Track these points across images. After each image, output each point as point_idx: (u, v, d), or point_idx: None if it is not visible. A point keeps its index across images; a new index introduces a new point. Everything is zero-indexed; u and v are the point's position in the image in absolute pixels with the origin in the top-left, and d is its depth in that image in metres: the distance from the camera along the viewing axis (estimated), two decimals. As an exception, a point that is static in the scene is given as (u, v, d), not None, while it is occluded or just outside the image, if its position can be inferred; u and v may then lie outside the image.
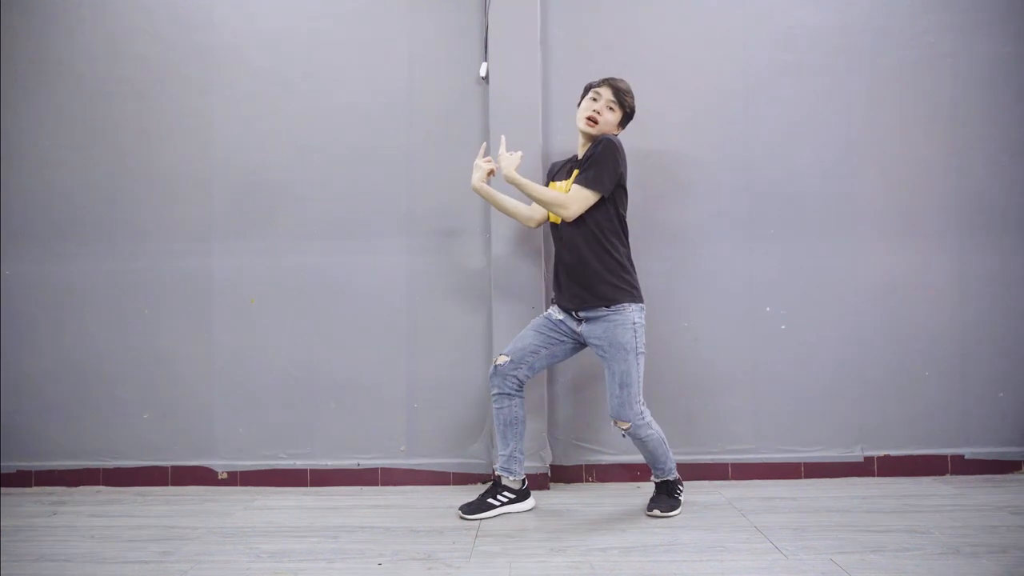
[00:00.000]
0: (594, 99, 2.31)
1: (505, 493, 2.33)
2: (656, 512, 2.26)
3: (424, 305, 2.76)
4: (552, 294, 2.45)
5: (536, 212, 2.47)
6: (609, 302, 2.23)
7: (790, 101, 2.75)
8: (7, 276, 2.80)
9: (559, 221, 2.33)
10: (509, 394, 2.34)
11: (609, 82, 2.31)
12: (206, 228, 2.78)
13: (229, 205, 2.78)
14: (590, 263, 2.25)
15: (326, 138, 2.78)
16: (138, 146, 2.80)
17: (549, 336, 2.35)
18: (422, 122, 2.77)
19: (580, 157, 2.36)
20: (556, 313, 2.37)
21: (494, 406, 2.36)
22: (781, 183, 2.74)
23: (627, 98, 2.32)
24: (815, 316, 2.72)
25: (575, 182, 2.25)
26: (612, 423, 2.29)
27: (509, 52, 2.65)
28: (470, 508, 2.28)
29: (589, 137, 2.33)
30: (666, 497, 2.32)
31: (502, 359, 2.34)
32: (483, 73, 2.72)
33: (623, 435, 2.28)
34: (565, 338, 2.35)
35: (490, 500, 2.31)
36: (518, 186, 2.27)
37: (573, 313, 2.31)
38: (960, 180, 2.73)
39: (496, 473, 2.39)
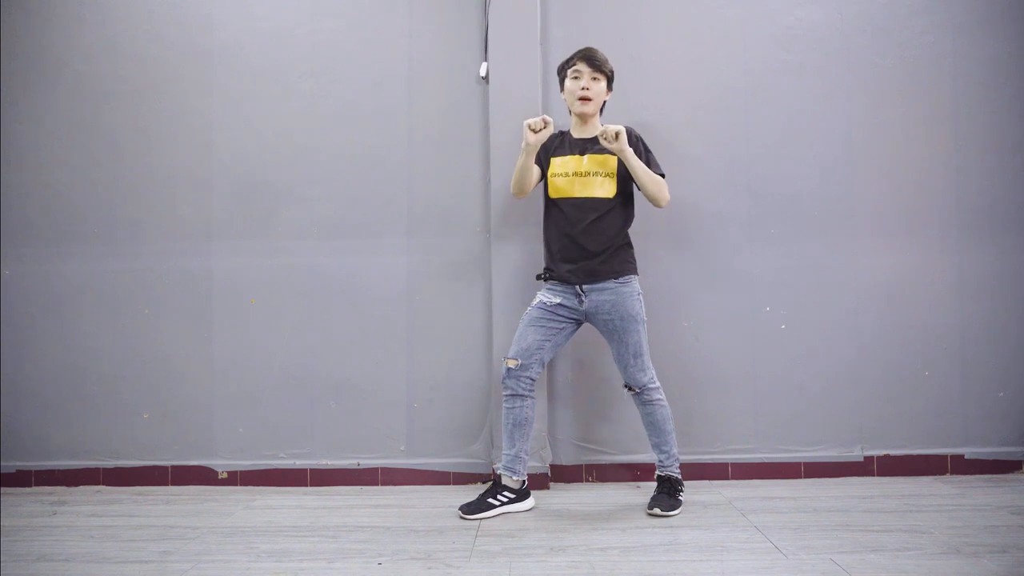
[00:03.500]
0: (576, 77, 2.35)
1: (505, 493, 2.33)
2: (656, 511, 2.26)
3: (424, 305, 2.75)
4: (545, 272, 2.41)
5: (531, 185, 2.42)
6: (618, 274, 2.32)
7: (790, 101, 2.75)
8: (7, 276, 2.80)
9: (578, 196, 2.33)
10: (522, 395, 2.35)
11: (583, 56, 2.35)
12: (206, 228, 2.78)
13: (229, 205, 2.78)
14: (614, 239, 2.34)
15: (326, 138, 2.78)
16: (138, 146, 2.80)
17: (549, 327, 2.35)
18: (422, 122, 2.77)
19: (585, 138, 2.39)
20: (551, 297, 2.36)
21: (505, 406, 2.36)
22: (781, 183, 2.74)
23: (605, 65, 2.37)
24: (815, 316, 2.72)
25: (657, 173, 2.35)
26: (624, 389, 2.38)
27: (509, 52, 2.65)
28: (470, 508, 2.28)
29: (585, 118, 2.38)
30: (667, 497, 2.32)
31: (512, 363, 2.33)
32: (483, 73, 2.72)
33: (636, 393, 2.34)
34: (565, 323, 2.36)
35: (490, 500, 2.31)
36: (629, 161, 2.26)
37: (578, 287, 2.32)
38: (960, 180, 2.73)
39: (497, 472, 2.39)
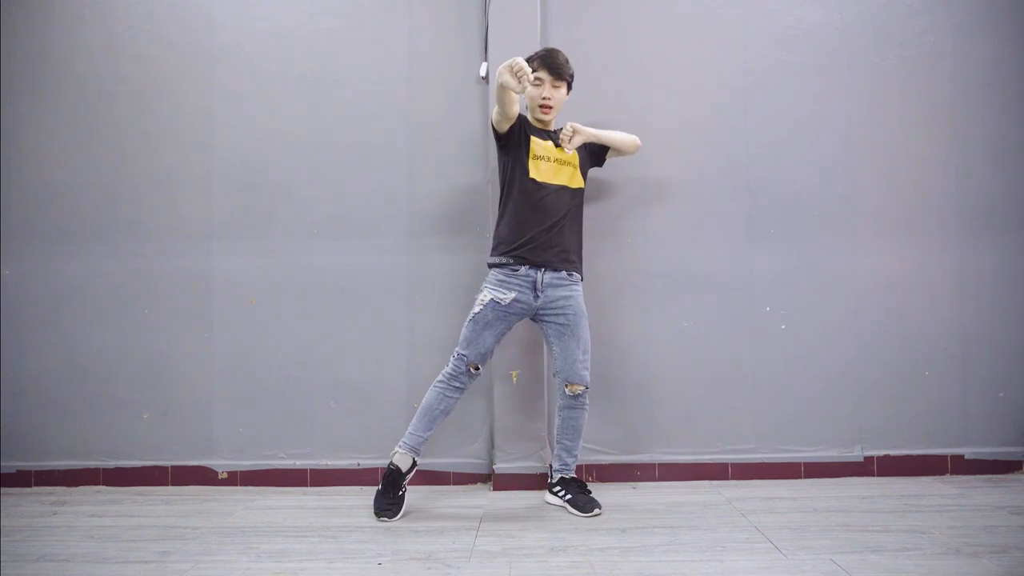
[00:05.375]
0: (538, 84, 2.35)
1: (408, 478, 2.33)
2: (597, 512, 2.26)
3: (424, 305, 2.75)
4: (502, 254, 2.33)
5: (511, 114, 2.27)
6: (575, 267, 2.37)
7: (790, 101, 2.75)
8: (7, 276, 2.80)
9: (560, 183, 2.34)
10: (465, 390, 2.37)
11: (544, 63, 2.34)
12: (206, 228, 2.78)
13: (229, 205, 2.78)
14: (580, 233, 2.41)
15: (326, 138, 2.78)
16: (138, 146, 2.80)
17: (500, 328, 2.34)
18: (422, 122, 2.77)
19: (548, 129, 2.43)
20: (505, 293, 2.30)
21: (446, 395, 2.33)
22: (781, 183, 2.74)
23: (565, 71, 2.36)
24: (815, 316, 2.72)
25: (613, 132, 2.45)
26: (564, 388, 2.35)
27: (509, 52, 2.64)
28: (393, 509, 2.26)
29: (546, 123, 2.43)
30: (585, 496, 2.33)
31: (475, 368, 2.33)
32: (483, 73, 2.72)
33: (577, 396, 2.34)
34: (513, 318, 2.35)
35: (400, 493, 2.32)
36: (600, 136, 2.42)
37: (538, 279, 2.29)
38: (960, 180, 2.73)
39: (406, 453, 2.33)
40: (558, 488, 2.39)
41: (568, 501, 2.33)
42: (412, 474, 2.35)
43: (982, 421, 2.71)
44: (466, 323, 2.35)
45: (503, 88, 2.14)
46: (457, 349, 2.34)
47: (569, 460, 2.42)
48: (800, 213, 2.73)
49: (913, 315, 2.72)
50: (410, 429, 2.35)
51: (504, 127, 2.31)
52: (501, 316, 2.31)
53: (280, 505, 2.48)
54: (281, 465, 2.74)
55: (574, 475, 2.41)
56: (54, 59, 2.81)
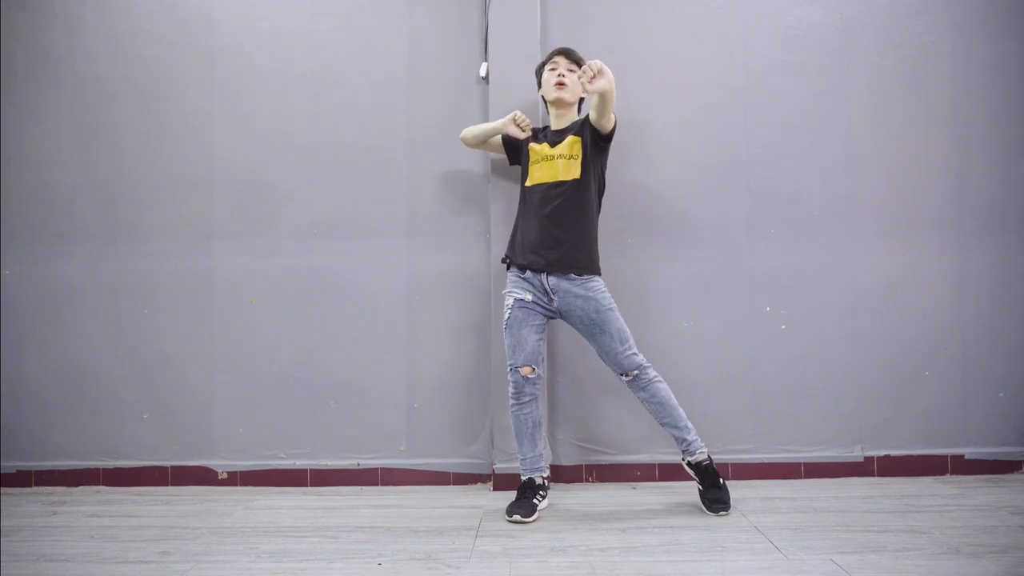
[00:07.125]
0: (553, 68, 2.39)
1: (540, 492, 2.34)
2: (723, 514, 2.24)
3: (424, 305, 2.75)
4: (506, 259, 2.42)
5: (481, 148, 2.59)
6: (580, 271, 2.31)
7: (791, 101, 2.75)
8: (7, 276, 2.80)
9: (547, 181, 2.34)
10: (537, 397, 2.35)
11: (559, 50, 2.42)
12: (206, 228, 2.78)
13: (229, 205, 2.78)
14: (580, 225, 2.32)
15: (326, 138, 2.78)
16: (138, 146, 2.80)
17: (537, 324, 2.34)
18: (422, 122, 2.77)
19: (560, 129, 2.41)
20: (524, 294, 2.33)
21: (522, 412, 2.34)
22: (781, 183, 2.74)
23: (577, 54, 2.42)
24: (815, 316, 2.72)
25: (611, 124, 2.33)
26: (621, 378, 2.34)
27: (509, 52, 2.65)
28: (523, 511, 2.23)
29: (562, 104, 2.39)
30: (717, 490, 2.29)
31: (528, 371, 2.32)
32: (483, 73, 2.72)
33: (634, 377, 2.30)
34: (544, 317, 2.36)
35: (533, 501, 2.30)
36: (608, 100, 2.19)
37: (544, 282, 2.31)
38: (960, 180, 2.73)
39: (527, 476, 2.36)
40: (694, 472, 2.35)
41: (700, 493, 2.32)
42: (546, 488, 2.38)
43: (982, 421, 2.71)
44: (504, 335, 2.37)
45: (495, 135, 2.48)
46: (507, 363, 2.35)
47: (688, 437, 2.32)
48: (800, 213, 2.73)
49: (913, 315, 2.72)
50: (520, 456, 2.38)
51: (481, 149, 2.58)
52: (532, 316, 2.33)
53: (280, 505, 2.48)
54: (281, 465, 2.74)
55: (703, 460, 2.32)
56: (54, 59, 2.81)
